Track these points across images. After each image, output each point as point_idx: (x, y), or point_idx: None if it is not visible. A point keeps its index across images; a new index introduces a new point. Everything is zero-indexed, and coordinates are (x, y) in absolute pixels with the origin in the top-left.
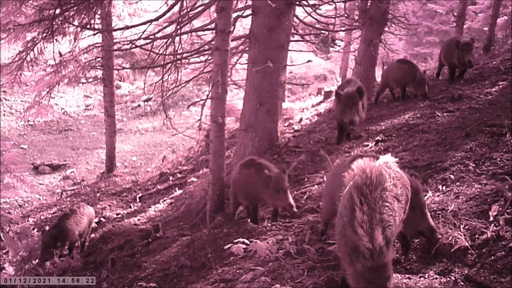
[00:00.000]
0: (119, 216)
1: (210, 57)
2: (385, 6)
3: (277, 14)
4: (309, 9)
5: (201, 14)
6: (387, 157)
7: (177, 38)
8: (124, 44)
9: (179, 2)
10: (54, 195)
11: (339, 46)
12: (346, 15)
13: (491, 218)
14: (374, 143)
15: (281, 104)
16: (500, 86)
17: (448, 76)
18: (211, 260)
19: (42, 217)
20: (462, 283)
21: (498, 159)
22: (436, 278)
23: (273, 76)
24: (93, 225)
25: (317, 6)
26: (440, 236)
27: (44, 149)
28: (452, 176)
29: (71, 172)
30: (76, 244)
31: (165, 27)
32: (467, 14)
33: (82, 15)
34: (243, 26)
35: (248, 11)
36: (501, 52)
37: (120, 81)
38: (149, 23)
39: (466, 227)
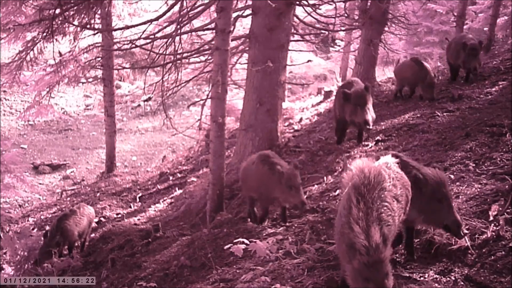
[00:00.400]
0: (119, 216)
1: (210, 57)
2: (385, 6)
3: (277, 14)
4: (309, 9)
5: (201, 14)
6: (388, 158)
7: (177, 38)
8: (124, 44)
9: (179, 2)
10: (54, 195)
11: (339, 46)
12: (346, 15)
13: (491, 218)
14: (374, 143)
15: (281, 104)
16: (500, 86)
17: (448, 76)
18: (211, 260)
19: (42, 217)
20: (462, 283)
21: (498, 159)
22: (436, 278)
23: (273, 76)
24: (93, 225)
25: (317, 6)
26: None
27: (44, 149)
28: (452, 176)
29: (71, 172)
30: (76, 244)
31: (165, 27)
32: (467, 14)
33: (82, 15)
34: (243, 26)
35: (248, 11)
36: (501, 52)
37: (120, 81)
38: (149, 23)
39: (466, 227)
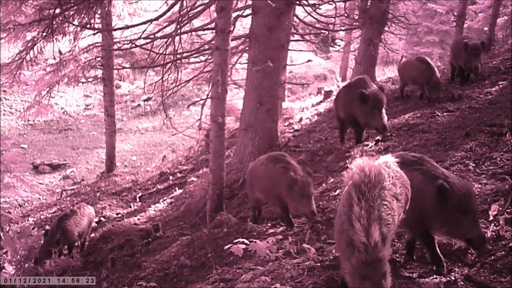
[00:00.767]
0: (119, 215)
1: (210, 57)
2: (385, 5)
3: (277, 13)
4: (309, 9)
5: (201, 13)
6: (387, 157)
7: (177, 38)
8: (124, 44)
9: (179, 2)
10: (54, 195)
11: (339, 45)
12: (346, 14)
13: (491, 218)
14: (374, 143)
15: (281, 103)
16: (500, 86)
17: (448, 76)
18: (211, 259)
19: (42, 217)
20: (462, 283)
21: (498, 159)
22: (436, 278)
23: (273, 76)
24: (93, 224)
25: (317, 5)
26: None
27: (44, 148)
28: None
29: (71, 171)
30: (76, 244)
31: (165, 27)
32: (467, 13)
33: (82, 15)
34: (243, 26)
35: (248, 11)
36: (501, 52)
37: (120, 80)
38: (149, 23)
39: None
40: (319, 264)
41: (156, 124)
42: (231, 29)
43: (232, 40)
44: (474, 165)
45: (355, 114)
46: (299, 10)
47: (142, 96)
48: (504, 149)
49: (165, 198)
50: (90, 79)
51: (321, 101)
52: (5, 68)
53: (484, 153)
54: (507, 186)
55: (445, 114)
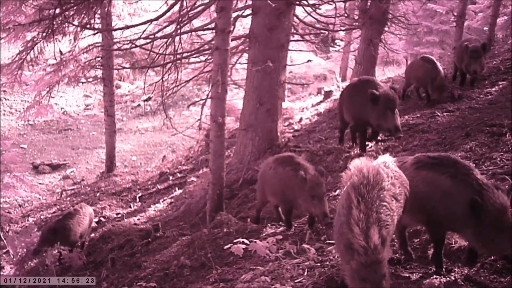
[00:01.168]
0: (119, 215)
1: (210, 57)
2: (385, 5)
3: (277, 13)
4: (309, 9)
5: (201, 13)
6: (386, 157)
7: (177, 38)
8: (124, 44)
9: (179, 2)
10: (54, 195)
11: (339, 45)
12: (346, 15)
13: None
14: (374, 143)
15: (281, 103)
16: (500, 86)
17: (449, 77)
18: (211, 259)
19: (42, 217)
20: (462, 283)
21: (498, 159)
22: (436, 278)
23: (273, 76)
24: (93, 224)
25: (317, 6)
26: None
27: (44, 148)
28: None
29: (71, 171)
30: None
31: (165, 27)
32: (467, 13)
33: (82, 15)
34: (243, 26)
35: (248, 11)
36: (501, 52)
37: (120, 80)
38: (149, 23)
39: None
40: (319, 264)
41: (156, 124)
42: (231, 29)
43: (232, 40)
44: (474, 165)
45: (364, 115)
46: (299, 10)
47: (142, 96)
48: (504, 149)
49: (165, 198)
50: (90, 79)
51: (321, 101)
52: (6, 69)
53: (484, 153)
54: (507, 186)
55: (445, 114)
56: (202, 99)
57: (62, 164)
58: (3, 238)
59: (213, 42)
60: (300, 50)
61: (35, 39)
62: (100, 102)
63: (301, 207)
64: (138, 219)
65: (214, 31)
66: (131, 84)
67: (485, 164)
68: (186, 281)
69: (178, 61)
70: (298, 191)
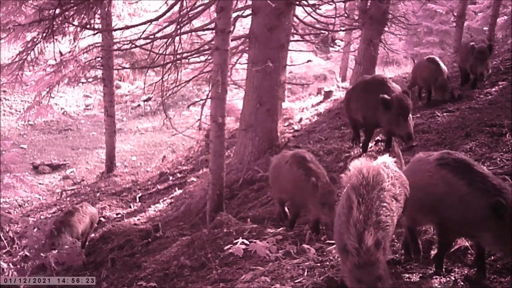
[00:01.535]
0: (119, 216)
1: (210, 57)
2: (385, 6)
3: (277, 13)
4: (309, 9)
5: (201, 14)
6: (385, 157)
7: (177, 38)
8: (124, 44)
9: (179, 2)
10: (54, 195)
11: (339, 46)
12: (346, 15)
13: None
14: (374, 143)
15: (281, 104)
16: (500, 86)
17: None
18: (211, 260)
19: (42, 217)
20: (462, 283)
21: (498, 159)
22: (436, 278)
23: (273, 76)
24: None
25: (317, 6)
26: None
27: (44, 149)
28: None
29: (71, 172)
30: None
31: (165, 27)
32: (467, 14)
33: (82, 15)
34: (243, 26)
35: (248, 11)
36: (501, 52)
37: (120, 81)
38: (149, 23)
39: None
40: (319, 264)
41: (156, 125)
42: (231, 29)
43: (232, 40)
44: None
45: (375, 118)
46: (299, 10)
47: (142, 97)
48: (504, 149)
49: (165, 199)
50: (90, 79)
51: (321, 102)
52: (7, 69)
53: (484, 153)
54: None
55: (445, 114)
56: (202, 99)
57: (62, 164)
58: (3, 239)
59: (213, 42)
60: (300, 50)
61: (35, 40)
62: (100, 102)
63: (311, 212)
64: (138, 219)
65: (214, 31)
66: (131, 84)
67: (485, 164)
68: (186, 281)
69: (178, 61)
70: (309, 197)
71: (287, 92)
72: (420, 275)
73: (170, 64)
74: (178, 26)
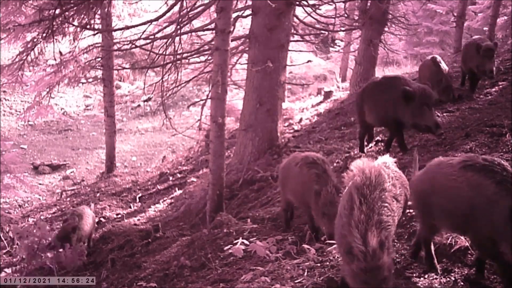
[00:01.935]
0: (119, 216)
1: (210, 57)
2: (385, 6)
3: (277, 14)
4: (309, 9)
5: (201, 14)
6: (386, 157)
7: (177, 38)
8: (124, 44)
9: (179, 2)
10: (54, 195)
11: (339, 46)
12: (346, 15)
13: None
14: (374, 143)
15: (281, 104)
16: (500, 86)
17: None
18: (211, 260)
19: (42, 217)
20: (462, 283)
21: None
22: (436, 278)
23: (273, 76)
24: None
25: (317, 6)
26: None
27: (44, 149)
28: None
29: (71, 172)
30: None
31: (165, 27)
32: (467, 14)
33: (82, 15)
34: (243, 26)
35: (248, 11)
36: (501, 52)
37: (120, 81)
38: (149, 23)
39: None
40: (319, 264)
41: (156, 125)
42: (231, 29)
43: (232, 41)
44: None
45: (395, 115)
46: (299, 11)
47: (142, 97)
48: (504, 150)
49: (165, 199)
50: (90, 80)
51: (321, 102)
52: (7, 69)
53: (484, 153)
54: None
55: (445, 114)
56: (202, 100)
57: (62, 165)
58: (3, 239)
59: (213, 43)
60: (300, 51)
61: (35, 40)
62: (100, 102)
63: (314, 217)
64: (138, 220)
65: (214, 31)
66: (131, 85)
67: None
68: (186, 281)
69: (178, 62)
70: (312, 203)
71: (287, 92)
72: (420, 275)
73: (170, 64)
74: (178, 26)
